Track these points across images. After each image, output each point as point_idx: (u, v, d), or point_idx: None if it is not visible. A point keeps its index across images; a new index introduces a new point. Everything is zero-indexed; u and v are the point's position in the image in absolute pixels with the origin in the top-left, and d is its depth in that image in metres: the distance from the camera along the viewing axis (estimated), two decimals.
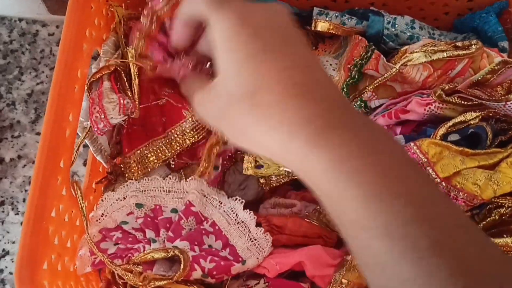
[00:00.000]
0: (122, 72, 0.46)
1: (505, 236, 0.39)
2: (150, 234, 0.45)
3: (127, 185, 0.49)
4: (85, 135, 0.45)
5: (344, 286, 0.43)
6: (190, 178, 0.49)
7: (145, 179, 0.50)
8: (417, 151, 0.42)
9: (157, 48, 0.48)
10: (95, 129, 0.44)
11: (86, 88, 0.44)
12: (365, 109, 0.52)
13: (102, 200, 0.48)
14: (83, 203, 0.43)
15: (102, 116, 0.44)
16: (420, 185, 0.27)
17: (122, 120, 0.46)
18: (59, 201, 0.41)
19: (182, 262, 0.41)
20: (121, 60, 0.46)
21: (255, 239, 0.46)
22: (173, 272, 0.42)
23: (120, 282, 0.45)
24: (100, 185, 0.50)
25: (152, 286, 0.41)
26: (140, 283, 0.42)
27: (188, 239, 0.44)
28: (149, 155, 0.50)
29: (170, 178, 0.50)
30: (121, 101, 0.45)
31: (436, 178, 0.41)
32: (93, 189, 0.49)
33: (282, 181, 0.51)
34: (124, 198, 0.48)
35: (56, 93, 0.40)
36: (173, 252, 0.41)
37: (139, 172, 0.50)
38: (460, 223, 0.27)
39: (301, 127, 0.28)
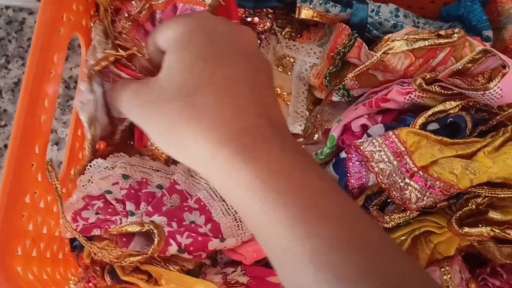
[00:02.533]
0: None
1: (480, 226, 0.39)
2: (130, 206, 0.44)
3: (117, 155, 0.49)
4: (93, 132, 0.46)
5: None
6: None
7: (137, 156, 0.49)
8: (396, 140, 0.42)
9: (142, 36, 0.48)
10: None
11: (87, 80, 0.44)
12: (348, 98, 0.52)
13: (90, 166, 0.48)
14: (57, 182, 0.43)
15: None
16: (348, 210, 0.26)
17: None
18: (34, 187, 0.41)
19: (157, 236, 0.40)
20: (123, 54, 0.45)
21: (240, 221, 0.45)
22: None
23: (98, 268, 0.45)
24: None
25: (128, 262, 0.41)
26: (116, 260, 0.41)
27: (167, 215, 0.44)
28: None
29: None
30: None
31: (413, 167, 0.40)
32: (71, 176, 0.49)
33: None
34: (113, 168, 0.48)
35: (31, 78, 0.39)
36: (148, 226, 0.41)
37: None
38: (386, 248, 0.26)
39: (231, 137, 0.27)
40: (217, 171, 0.27)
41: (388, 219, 0.42)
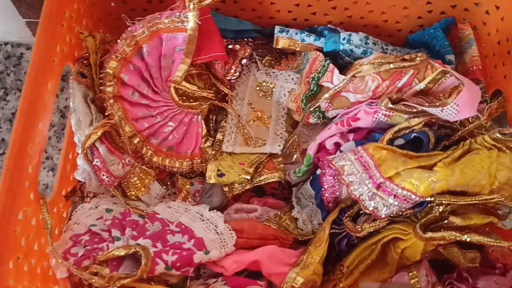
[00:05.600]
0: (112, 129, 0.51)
1: (442, 230, 0.42)
2: (115, 232, 0.47)
3: (100, 197, 0.52)
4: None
5: (298, 283, 0.45)
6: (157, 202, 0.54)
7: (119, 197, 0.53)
8: (364, 154, 0.45)
9: (132, 71, 0.51)
10: (109, 185, 0.51)
11: (83, 155, 0.49)
12: (323, 119, 0.55)
13: (76, 212, 0.51)
14: (48, 217, 0.46)
15: (112, 178, 0.50)
16: None
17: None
18: (26, 205, 0.43)
19: (143, 258, 0.43)
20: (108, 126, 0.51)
21: (222, 233, 0.48)
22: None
23: (86, 283, 0.47)
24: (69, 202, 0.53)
25: (118, 285, 0.43)
26: (106, 284, 0.44)
27: (151, 237, 0.46)
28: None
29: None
30: (122, 161, 0.51)
31: (380, 178, 0.43)
32: (63, 197, 0.51)
33: (244, 188, 0.53)
34: (96, 207, 0.52)
35: (26, 102, 0.43)
36: (135, 248, 0.43)
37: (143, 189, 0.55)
38: None
39: None
40: None
41: (360, 229, 0.45)
